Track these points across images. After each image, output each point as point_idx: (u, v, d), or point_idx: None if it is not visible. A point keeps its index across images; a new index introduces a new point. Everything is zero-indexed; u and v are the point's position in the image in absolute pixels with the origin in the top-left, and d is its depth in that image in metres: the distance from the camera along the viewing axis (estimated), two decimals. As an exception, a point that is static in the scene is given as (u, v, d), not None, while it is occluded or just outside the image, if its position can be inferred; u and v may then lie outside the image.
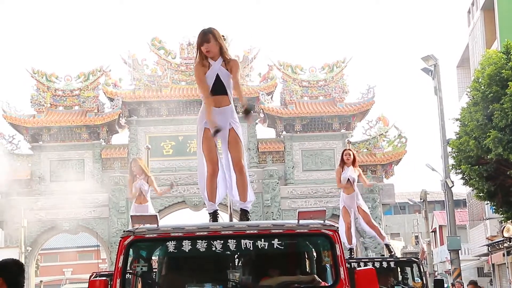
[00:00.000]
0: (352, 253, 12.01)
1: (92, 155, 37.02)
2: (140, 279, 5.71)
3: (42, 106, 37.22)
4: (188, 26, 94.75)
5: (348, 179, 11.98)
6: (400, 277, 11.13)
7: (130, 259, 5.41)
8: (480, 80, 20.57)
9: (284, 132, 37.90)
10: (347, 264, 5.47)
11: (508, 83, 19.11)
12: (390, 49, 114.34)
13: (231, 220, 6.63)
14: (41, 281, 41.18)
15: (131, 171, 11.79)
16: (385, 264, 10.78)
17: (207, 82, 6.29)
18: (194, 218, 39.07)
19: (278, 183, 36.58)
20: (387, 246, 12.03)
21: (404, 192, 60.37)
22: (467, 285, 22.27)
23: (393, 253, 11.73)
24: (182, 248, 5.31)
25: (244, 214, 6.29)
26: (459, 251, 28.66)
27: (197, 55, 6.33)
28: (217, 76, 6.28)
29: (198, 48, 6.29)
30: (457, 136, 21.54)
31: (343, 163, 12.13)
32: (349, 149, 12.39)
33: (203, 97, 6.36)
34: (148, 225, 5.43)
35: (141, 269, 5.71)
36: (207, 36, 6.20)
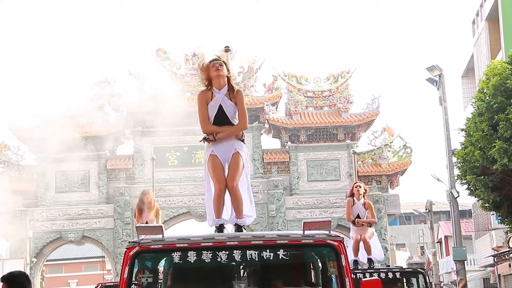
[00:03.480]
0: (358, 264, 11.97)
1: (97, 166, 37.00)
2: (145, 290, 5.71)
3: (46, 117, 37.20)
4: (193, 36, 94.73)
5: (358, 214, 12.11)
6: (405, 288, 11.10)
7: (135, 270, 5.41)
8: (485, 90, 20.56)
9: (289, 143, 37.88)
10: (352, 275, 5.45)
11: (513, 93, 19.11)
12: (395, 59, 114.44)
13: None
14: (46, 292, 41.17)
15: (142, 202, 11.83)
16: (391, 275, 10.76)
17: (208, 112, 6.31)
18: (199, 228, 39.08)
19: (283, 193, 36.55)
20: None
21: (409, 203, 60.22)
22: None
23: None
24: (188, 259, 5.31)
25: (238, 229, 6.27)
26: (465, 261, 28.52)
27: (203, 77, 6.37)
28: (220, 107, 6.30)
29: (205, 70, 6.31)
30: (462, 146, 21.51)
31: (352, 195, 12.24)
32: (360, 182, 12.59)
33: (201, 125, 6.39)
34: (153, 236, 5.43)
35: (147, 280, 5.71)
36: (220, 60, 6.25)
